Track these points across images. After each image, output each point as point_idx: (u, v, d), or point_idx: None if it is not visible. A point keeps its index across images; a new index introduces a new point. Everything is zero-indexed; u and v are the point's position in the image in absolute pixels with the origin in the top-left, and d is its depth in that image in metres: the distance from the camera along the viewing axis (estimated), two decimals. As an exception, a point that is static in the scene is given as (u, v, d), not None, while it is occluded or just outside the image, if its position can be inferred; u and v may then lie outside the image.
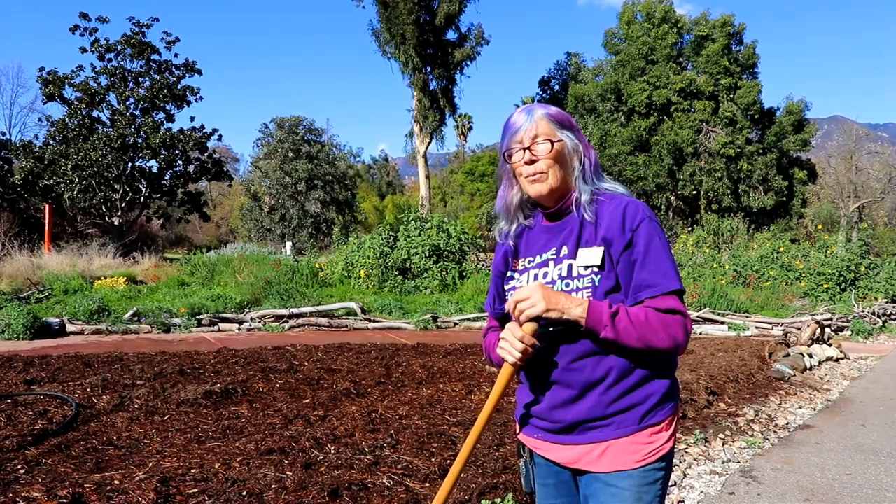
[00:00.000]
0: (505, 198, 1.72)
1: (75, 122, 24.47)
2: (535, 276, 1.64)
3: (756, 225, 28.78)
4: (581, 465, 1.60)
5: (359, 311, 10.75)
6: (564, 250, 1.61)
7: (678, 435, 4.70)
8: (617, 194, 1.63)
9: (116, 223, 25.03)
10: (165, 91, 25.49)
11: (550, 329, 1.52)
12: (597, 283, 1.54)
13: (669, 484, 3.82)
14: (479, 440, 1.68)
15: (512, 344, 1.52)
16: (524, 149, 1.62)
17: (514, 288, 1.69)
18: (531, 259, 1.68)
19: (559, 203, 1.65)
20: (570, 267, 1.59)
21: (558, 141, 1.61)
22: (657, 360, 1.57)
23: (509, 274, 1.73)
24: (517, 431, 1.77)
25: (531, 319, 1.49)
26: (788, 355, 7.84)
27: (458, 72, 31.46)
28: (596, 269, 1.55)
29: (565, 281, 1.58)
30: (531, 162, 1.61)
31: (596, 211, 1.60)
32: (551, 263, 1.62)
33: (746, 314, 12.51)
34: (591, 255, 1.56)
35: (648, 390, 1.57)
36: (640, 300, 1.52)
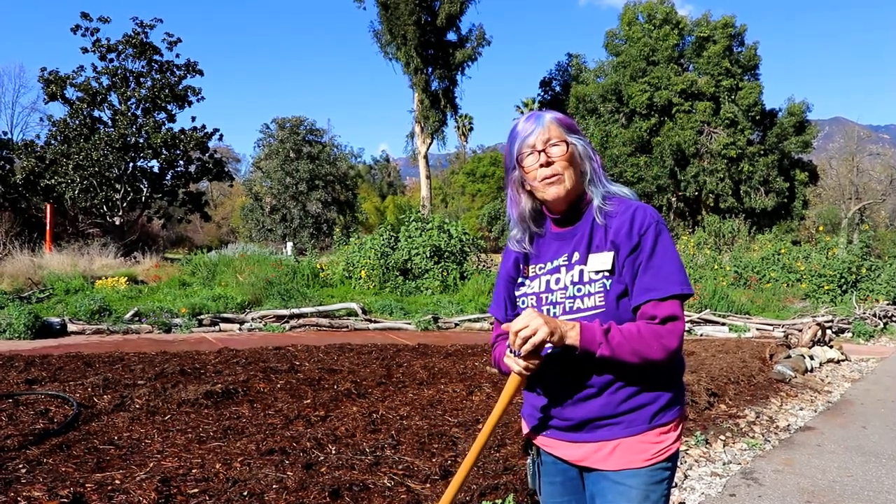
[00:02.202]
0: (517, 207, 1.71)
1: (77, 122, 24.49)
2: (547, 283, 1.65)
3: (757, 226, 28.76)
4: (589, 463, 1.61)
5: (360, 312, 10.75)
6: (576, 256, 1.62)
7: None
8: (626, 199, 1.64)
9: (117, 223, 25.05)
10: (167, 91, 25.50)
11: (549, 351, 1.51)
12: (608, 288, 1.56)
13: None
14: (482, 450, 1.69)
15: (517, 362, 1.53)
16: (538, 152, 1.61)
17: (525, 294, 1.69)
18: (542, 266, 1.68)
19: (570, 208, 1.65)
20: (581, 272, 1.59)
21: (572, 143, 1.62)
22: (669, 362, 1.57)
23: (520, 280, 1.73)
24: (525, 429, 1.78)
25: (535, 346, 1.47)
26: (789, 357, 7.84)
27: (459, 72, 31.48)
28: (607, 274, 1.56)
29: (577, 286, 1.59)
30: (547, 164, 1.60)
31: (606, 215, 1.61)
32: (563, 269, 1.63)
33: (747, 316, 12.50)
34: (602, 260, 1.57)
35: (658, 391, 1.58)
36: (641, 303, 1.53)
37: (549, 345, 1.48)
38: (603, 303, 1.55)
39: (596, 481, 1.62)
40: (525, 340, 1.46)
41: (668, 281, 1.52)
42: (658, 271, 1.52)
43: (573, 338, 1.48)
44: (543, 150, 1.60)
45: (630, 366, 1.51)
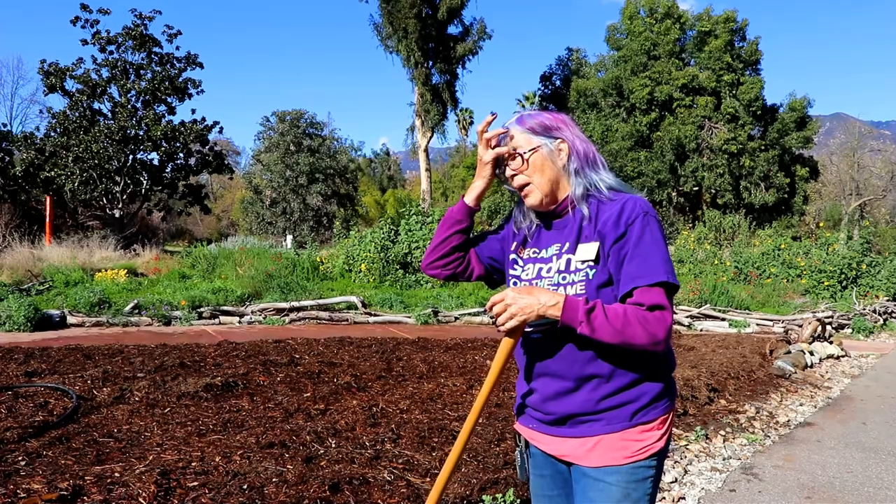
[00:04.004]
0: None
1: (76, 114, 24.40)
2: (539, 270, 1.67)
3: (758, 222, 28.77)
4: (571, 459, 1.62)
5: (360, 305, 10.74)
6: (567, 246, 1.64)
7: (679, 431, 4.70)
8: (621, 193, 1.64)
9: (117, 215, 25.00)
10: (167, 84, 25.40)
11: (531, 329, 1.57)
12: (590, 277, 1.57)
13: (670, 480, 3.82)
14: (480, 416, 1.71)
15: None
16: (505, 165, 1.68)
17: (518, 278, 1.72)
18: (536, 251, 1.71)
19: (556, 206, 1.67)
20: (568, 262, 1.61)
21: (531, 150, 1.63)
22: (653, 360, 1.59)
23: (513, 258, 1.75)
24: (515, 421, 1.79)
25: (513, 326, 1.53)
26: (789, 352, 7.84)
27: (459, 66, 31.38)
28: (591, 263, 1.57)
29: (562, 275, 1.61)
30: (513, 176, 1.67)
31: (596, 207, 1.62)
32: (554, 258, 1.65)
33: (747, 311, 12.49)
34: (588, 250, 1.59)
35: (641, 389, 1.58)
36: (626, 291, 1.52)
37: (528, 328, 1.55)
38: (583, 291, 1.56)
39: (578, 477, 1.63)
40: (501, 323, 1.52)
41: (655, 269, 1.51)
42: (645, 260, 1.52)
43: (554, 313, 1.50)
44: (507, 164, 1.68)
45: (612, 348, 1.51)
